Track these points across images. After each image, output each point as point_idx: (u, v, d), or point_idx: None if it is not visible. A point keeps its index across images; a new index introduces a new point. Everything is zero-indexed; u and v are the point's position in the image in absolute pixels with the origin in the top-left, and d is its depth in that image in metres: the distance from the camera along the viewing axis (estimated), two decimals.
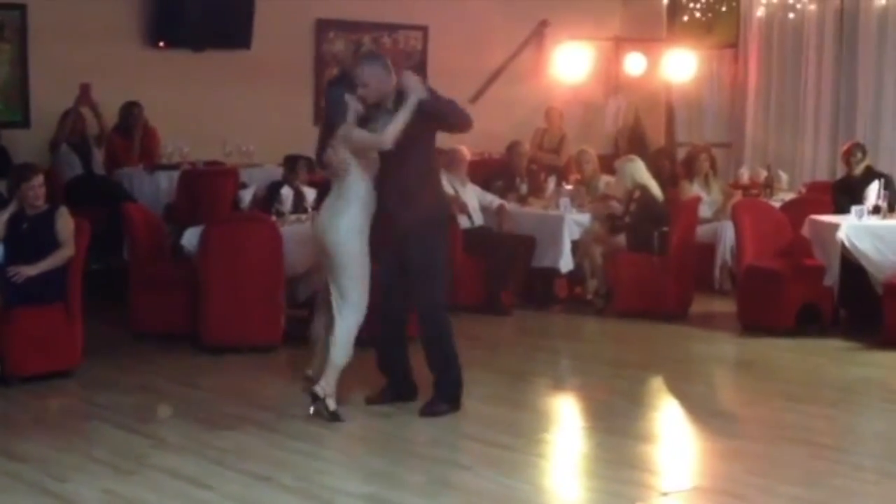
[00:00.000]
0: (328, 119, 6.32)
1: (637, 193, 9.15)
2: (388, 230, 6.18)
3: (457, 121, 6.20)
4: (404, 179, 6.08)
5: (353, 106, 6.04)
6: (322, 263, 6.32)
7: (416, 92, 5.95)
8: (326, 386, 6.10)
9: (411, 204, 6.09)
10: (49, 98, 10.14)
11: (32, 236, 7.00)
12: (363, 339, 6.32)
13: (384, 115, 6.05)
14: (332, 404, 6.08)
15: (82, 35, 10.31)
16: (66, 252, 7.00)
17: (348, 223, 6.05)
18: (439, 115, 6.09)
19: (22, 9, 10.24)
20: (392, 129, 5.89)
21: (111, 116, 10.27)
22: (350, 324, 6.14)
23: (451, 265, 6.56)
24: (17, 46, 10.27)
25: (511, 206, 9.74)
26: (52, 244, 6.99)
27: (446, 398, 6.27)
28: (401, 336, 6.47)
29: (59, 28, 10.25)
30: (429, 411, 6.22)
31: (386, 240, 6.22)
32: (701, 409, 6.56)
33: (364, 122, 6.06)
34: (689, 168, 10.42)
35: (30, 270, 6.87)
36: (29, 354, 6.86)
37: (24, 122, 10.32)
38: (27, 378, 6.83)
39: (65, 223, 7.06)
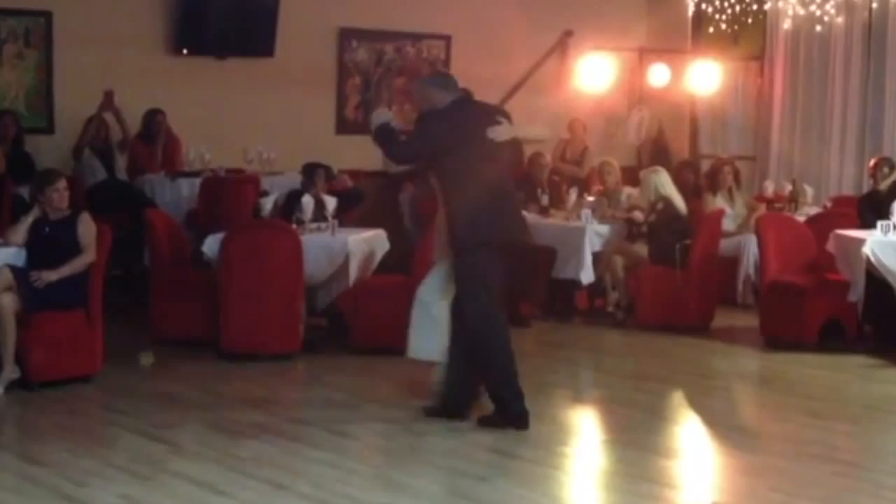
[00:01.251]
0: None
1: (660, 205, 9.11)
2: None
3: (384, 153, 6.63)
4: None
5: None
6: None
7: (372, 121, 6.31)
8: None
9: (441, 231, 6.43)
10: (73, 104, 10.19)
11: (54, 241, 7.02)
12: None
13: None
14: None
15: (106, 42, 10.36)
16: (87, 257, 7.02)
17: None
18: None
19: (47, 16, 10.30)
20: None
21: (134, 123, 10.31)
22: None
23: (492, 287, 6.31)
24: (43, 53, 10.32)
25: (532, 217, 9.68)
26: (74, 249, 7.00)
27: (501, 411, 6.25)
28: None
29: (84, 35, 10.30)
30: (486, 422, 6.21)
31: None
32: (722, 424, 6.53)
33: None
34: (713, 181, 10.36)
35: (51, 275, 6.87)
36: (50, 359, 6.87)
37: (49, 128, 10.37)
38: (48, 383, 6.85)
39: (87, 229, 7.08)
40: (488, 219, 6.15)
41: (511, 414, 6.20)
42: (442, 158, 6.18)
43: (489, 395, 6.30)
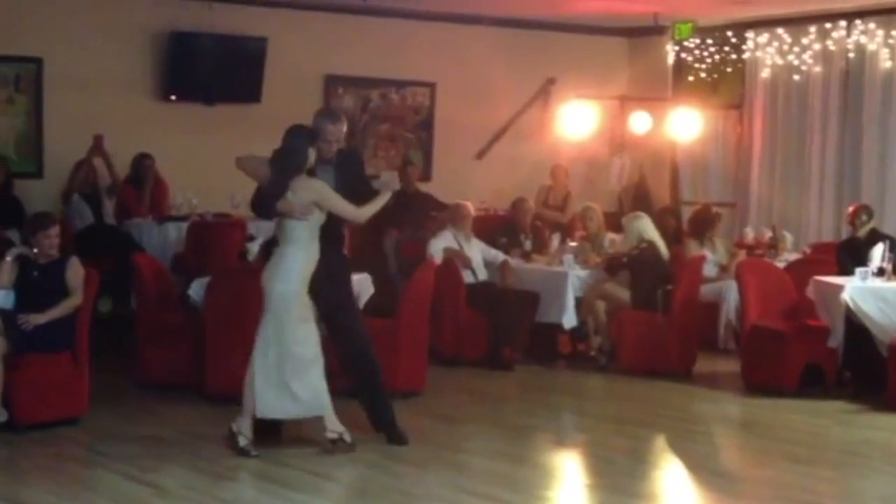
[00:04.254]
0: (283, 165, 6.39)
1: (643, 245, 9.20)
2: None
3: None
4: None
5: (311, 158, 6.39)
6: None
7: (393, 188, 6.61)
8: None
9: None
10: (62, 149, 10.28)
11: (43, 284, 7.06)
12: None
13: (327, 168, 6.52)
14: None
15: (96, 88, 10.49)
16: (74, 301, 7.07)
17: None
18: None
19: (38, 62, 10.42)
20: (369, 210, 6.52)
21: (123, 168, 10.39)
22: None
23: None
24: (33, 98, 10.44)
25: (515, 261, 9.80)
26: (62, 293, 7.05)
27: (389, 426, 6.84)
28: None
29: (74, 81, 10.43)
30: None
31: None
32: (704, 469, 6.57)
33: (310, 173, 6.43)
34: (700, 226, 10.39)
35: (39, 318, 6.92)
36: (36, 402, 6.90)
37: (38, 173, 10.46)
38: (34, 425, 6.86)
39: (75, 272, 7.13)
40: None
41: (397, 429, 6.67)
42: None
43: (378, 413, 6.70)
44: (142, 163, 10.39)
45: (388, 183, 6.61)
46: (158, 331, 8.10)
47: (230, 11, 11.10)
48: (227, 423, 6.53)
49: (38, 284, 7.06)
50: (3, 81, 10.35)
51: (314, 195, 6.33)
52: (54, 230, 7.18)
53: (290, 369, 6.35)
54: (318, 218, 6.36)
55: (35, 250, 7.13)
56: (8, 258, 7.09)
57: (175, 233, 9.95)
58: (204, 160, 10.79)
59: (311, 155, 6.37)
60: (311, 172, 6.42)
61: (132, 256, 8.58)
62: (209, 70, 10.99)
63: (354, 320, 6.75)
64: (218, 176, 10.70)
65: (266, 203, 6.40)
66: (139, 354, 8.19)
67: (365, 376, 6.68)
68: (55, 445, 6.68)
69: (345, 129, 6.65)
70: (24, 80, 10.41)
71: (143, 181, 10.40)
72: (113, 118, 10.45)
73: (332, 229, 6.50)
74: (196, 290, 7.97)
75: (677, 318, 8.95)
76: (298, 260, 6.34)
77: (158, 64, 10.94)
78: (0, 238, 8.81)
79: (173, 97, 11.01)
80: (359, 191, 6.55)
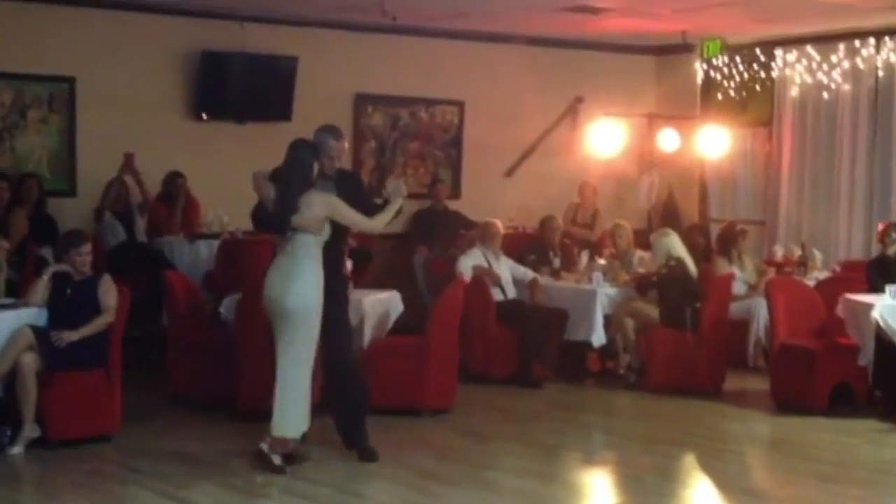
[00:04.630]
0: (292, 179, 6.37)
1: (672, 262, 9.20)
2: None
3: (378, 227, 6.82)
4: None
5: (315, 171, 6.41)
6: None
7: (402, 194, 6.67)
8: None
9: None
10: (95, 167, 10.39)
11: (75, 302, 7.13)
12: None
13: (327, 184, 6.51)
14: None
15: (128, 107, 10.60)
16: (107, 318, 7.12)
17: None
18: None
19: (71, 81, 10.54)
20: (383, 219, 6.54)
21: (154, 186, 10.49)
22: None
23: None
24: (66, 117, 10.56)
25: (544, 279, 9.82)
26: (94, 310, 7.11)
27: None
28: None
29: (106, 100, 10.54)
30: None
31: None
32: (733, 488, 6.55)
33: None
34: (727, 244, 10.42)
35: (72, 335, 6.98)
36: (69, 418, 6.97)
37: (71, 191, 10.57)
38: (67, 441, 6.93)
39: (107, 290, 7.19)
40: None
41: (369, 447, 6.68)
42: None
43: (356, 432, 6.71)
44: (173, 181, 10.49)
45: (397, 190, 6.66)
46: (189, 347, 8.16)
47: (261, 31, 11.21)
48: (257, 439, 6.55)
49: (70, 302, 7.12)
50: (36, 101, 10.48)
51: (327, 209, 6.33)
52: (86, 248, 7.24)
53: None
54: (327, 232, 6.37)
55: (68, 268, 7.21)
56: (44, 276, 7.17)
57: (206, 250, 10.01)
58: (235, 178, 10.76)
59: (314, 169, 6.40)
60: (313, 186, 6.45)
61: (163, 274, 8.65)
62: (240, 89, 11.09)
63: (349, 338, 6.80)
64: (249, 194, 10.79)
65: (277, 218, 6.33)
66: (170, 371, 8.24)
67: (354, 396, 6.66)
68: (88, 462, 6.73)
69: (346, 145, 6.75)
70: (57, 100, 10.54)
71: (174, 199, 10.49)
72: (145, 137, 10.56)
73: (334, 244, 6.49)
74: (227, 307, 8.06)
75: (706, 336, 8.94)
76: (316, 273, 6.34)
77: (190, 83, 11.05)
78: (34, 256, 8.94)
79: (205, 116, 11.11)
80: (363, 208, 6.55)
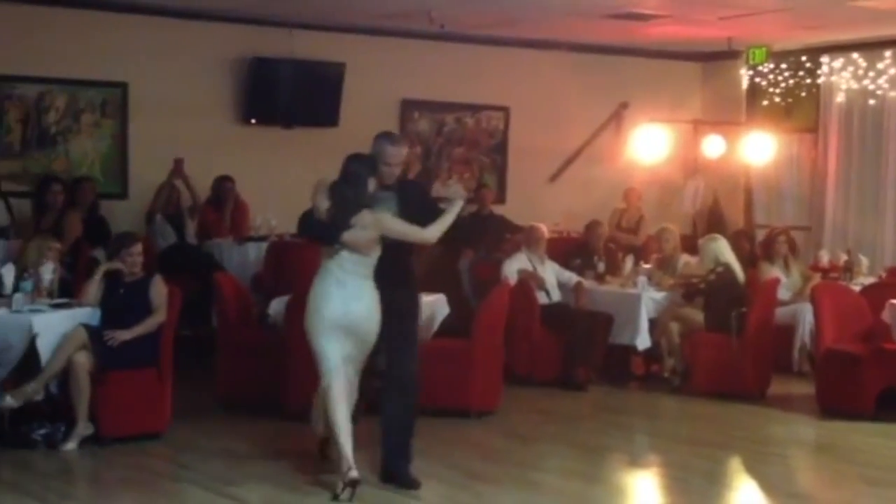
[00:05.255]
0: (347, 194, 6.08)
1: (720, 269, 9.20)
2: None
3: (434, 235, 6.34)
4: None
5: (371, 187, 6.09)
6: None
7: (461, 197, 6.29)
8: None
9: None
10: (146, 171, 10.58)
11: (128, 302, 7.23)
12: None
13: (386, 194, 6.17)
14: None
15: (179, 112, 10.77)
16: (158, 318, 7.21)
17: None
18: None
19: (124, 87, 10.75)
20: (439, 228, 6.11)
21: (204, 189, 10.64)
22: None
23: None
24: (118, 122, 10.77)
25: (589, 283, 9.85)
26: (146, 310, 7.21)
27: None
28: None
29: (158, 105, 10.72)
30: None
31: None
32: (779, 491, 6.55)
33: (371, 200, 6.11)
34: (768, 250, 10.45)
35: (124, 335, 7.07)
36: (121, 416, 7.08)
37: (123, 194, 10.76)
38: (119, 439, 7.03)
39: (159, 290, 7.29)
40: None
41: (411, 475, 6.26)
42: None
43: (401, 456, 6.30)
44: (222, 185, 10.63)
45: (454, 193, 6.37)
46: (238, 348, 8.23)
47: (309, 38, 11.35)
48: (303, 438, 6.60)
49: (123, 302, 7.23)
50: (90, 106, 10.69)
51: (378, 230, 6.03)
52: (137, 248, 7.34)
53: None
54: (377, 251, 6.10)
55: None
56: (96, 276, 7.29)
57: (254, 253, 10.11)
58: (283, 182, 11.00)
59: (371, 184, 6.08)
60: (371, 200, 6.11)
61: (213, 276, 8.74)
62: (288, 94, 11.23)
63: (414, 354, 6.39)
64: (296, 197, 10.92)
65: (326, 229, 6.06)
66: (219, 371, 8.32)
67: (408, 416, 6.33)
68: (139, 459, 6.82)
69: (406, 151, 6.34)
70: (110, 105, 10.74)
71: (223, 202, 10.63)
72: (195, 141, 10.73)
73: (401, 258, 6.21)
74: (275, 308, 8.11)
75: (751, 341, 8.93)
76: (375, 293, 6.10)
77: (239, 89, 11.21)
78: (87, 257, 9.10)
79: (253, 121, 11.26)
80: (428, 216, 6.16)
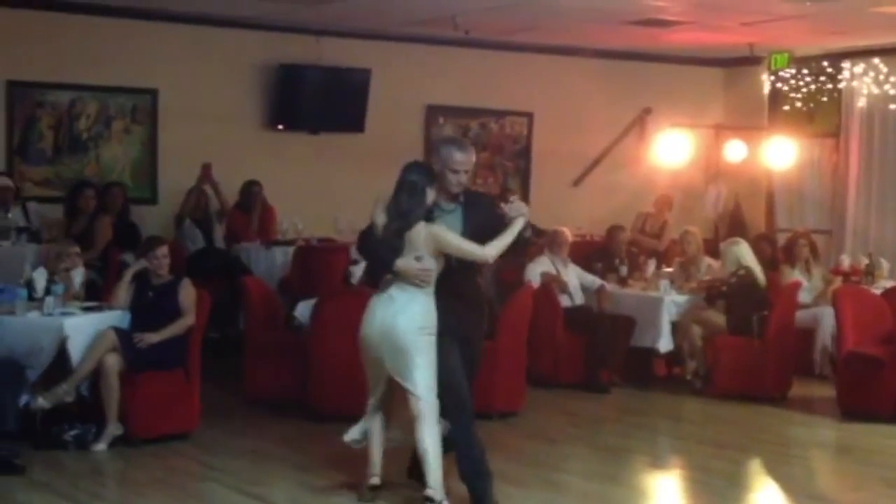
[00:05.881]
0: (403, 206, 5.65)
1: (742, 272, 9.25)
2: None
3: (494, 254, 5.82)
4: None
5: (429, 198, 5.68)
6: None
7: (525, 215, 5.77)
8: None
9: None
10: (176, 176, 10.71)
11: (157, 305, 7.32)
12: None
13: (452, 206, 5.80)
14: None
15: (207, 118, 10.91)
16: (187, 321, 7.29)
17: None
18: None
19: (153, 93, 10.90)
20: (498, 247, 5.64)
21: (232, 194, 10.75)
22: None
23: None
24: (148, 128, 10.91)
25: (611, 286, 9.91)
26: (175, 313, 7.29)
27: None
28: None
29: (187, 111, 10.86)
30: None
31: None
32: (800, 493, 6.59)
33: (428, 215, 5.70)
34: (789, 254, 10.48)
35: (153, 337, 7.15)
36: (150, 417, 7.17)
37: (153, 199, 10.91)
38: (148, 439, 7.12)
39: (187, 293, 7.37)
40: None
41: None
42: None
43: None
44: (250, 189, 10.74)
45: (516, 209, 5.74)
46: (265, 350, 8.31)
47: (336, 44, 11.47)
48: (329, 439, 6.58)
49: (152, 305, 7.31)
50: (120, 112, 10.84)
51: (435, 245, 5.63)
52: (162, 251, 7.40)
53: None
54: (438, 267, 5.69)
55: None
56: (125, 278, 7.40)
57: (282, 257, 10.19)
58: (309, 187, 11.14)
59: (430, 194, 5.65)
60: (430, 213, 5.70)
61: (241, 279, 8.84)
62: (315, 101, 11.35)
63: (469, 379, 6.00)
64: (323, 202, 11.11)
65: (385, 259, 5.70)
66: (247, 372, 8.41)
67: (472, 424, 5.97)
68: (168, 459, 6.90)
69: (474, 158, 5.81)
70: (140, 111, 10.89)
71: (251, 207, 10.74)
72: (223, 147, 10.86)
73: (469, 275, 5.85)
74: (301, 311, 8.18)
75: (773, 344, 8.97)
76: (431, 304, 5.74)
77: (267, 95, 11.33)
78: (117, 261, 9.24)
79: (280, 127, 11.39)
80: (494, 232, 5.67)
